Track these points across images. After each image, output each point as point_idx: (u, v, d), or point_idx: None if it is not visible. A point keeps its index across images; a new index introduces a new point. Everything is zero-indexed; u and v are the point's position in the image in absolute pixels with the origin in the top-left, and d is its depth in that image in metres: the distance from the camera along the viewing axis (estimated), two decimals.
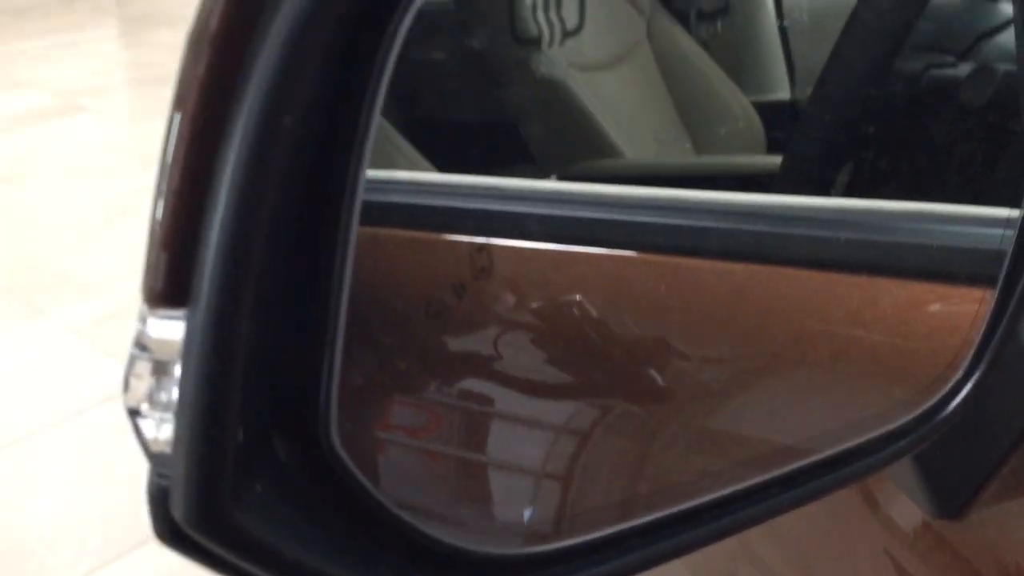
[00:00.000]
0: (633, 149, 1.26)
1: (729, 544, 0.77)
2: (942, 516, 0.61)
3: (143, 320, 0.31)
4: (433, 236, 0.45)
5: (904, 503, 0.64)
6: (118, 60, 5.37)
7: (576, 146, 1.19)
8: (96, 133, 4.27)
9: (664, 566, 0.42)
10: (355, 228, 0.32)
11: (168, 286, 0.29)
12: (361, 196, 0.31)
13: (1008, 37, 0.73)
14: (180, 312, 0.30)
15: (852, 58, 0.84)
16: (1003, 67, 0.75)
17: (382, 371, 0.34)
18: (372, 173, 0.33)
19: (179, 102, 0.29)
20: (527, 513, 0.42)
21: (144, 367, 0.31)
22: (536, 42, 0.40)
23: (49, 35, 5.37)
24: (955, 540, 0.62)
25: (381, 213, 0.39)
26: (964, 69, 0.83)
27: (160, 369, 0.31)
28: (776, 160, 0.92)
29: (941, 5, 0.90)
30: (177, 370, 0.30)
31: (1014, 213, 0.56)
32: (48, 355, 2.72)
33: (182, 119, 0.29)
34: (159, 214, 0.30)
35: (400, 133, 0.69)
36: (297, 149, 0.29)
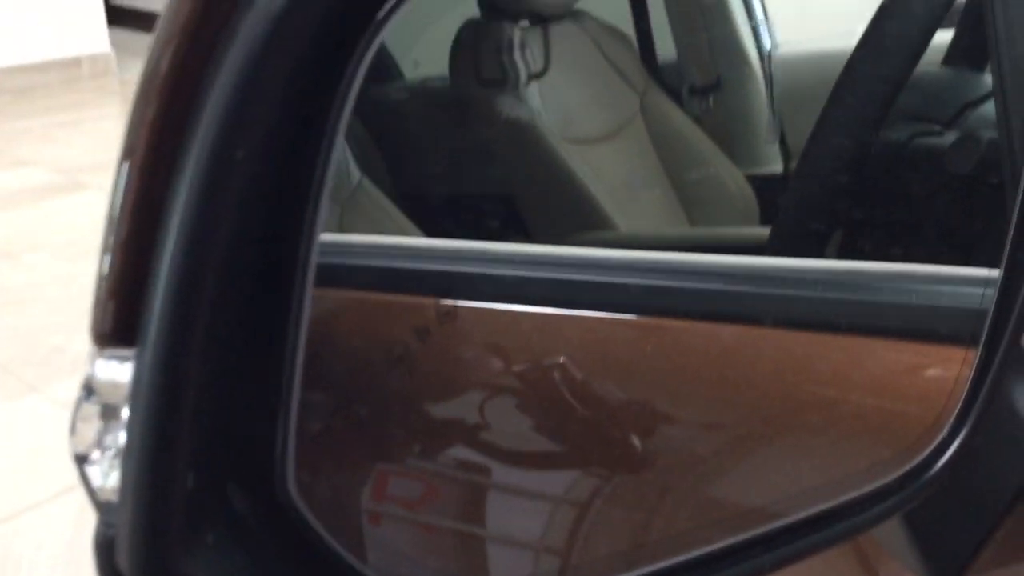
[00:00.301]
0: (627, 221, 1.26)
1: None
2: None
3: (91, 363, 0.30)
4: (400, 298, 0.44)
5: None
6: (119, 138, 5.42)
7: (570, 218, 1.19)
8: (96, 210, 4.27)
9: None
10: (313, 268, 0.31)
11: (117, 325, 0.29)
12: (319, 236, 0.31)
13: (992, 106, 0.73)
14: (128, 352, 0.29)
15: (839, 125, 0.85)
16: (987, 135, 0.75)
17: (342, 419, 0.33)
18: (341, 237, 0.33)
19: (128, 151, 0.29)
20: (497, 571, 0.41)
21: (92, 411, 0.30)
22: (502, 83, 0.41)
23: (52, 114, 5.42)
24: None
25: (343, 274, 0.38)
26: (949, 137, 0.84)
27: (108, 413, 0.30)
28: (768, 232, 0.93)
29: (927, 76, 0.91)
30: (125, 413, 0.29)
31: (994, 273, 0.56)
32: (38, 431, 2.68)
33: (131, 166, 0.29)
34: (109, 255, 0.29)
35: (398, 206, 0.68)
36: (252, 187, 0.29)
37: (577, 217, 1.23)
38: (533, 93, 1.15)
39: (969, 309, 0.56)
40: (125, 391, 0.29)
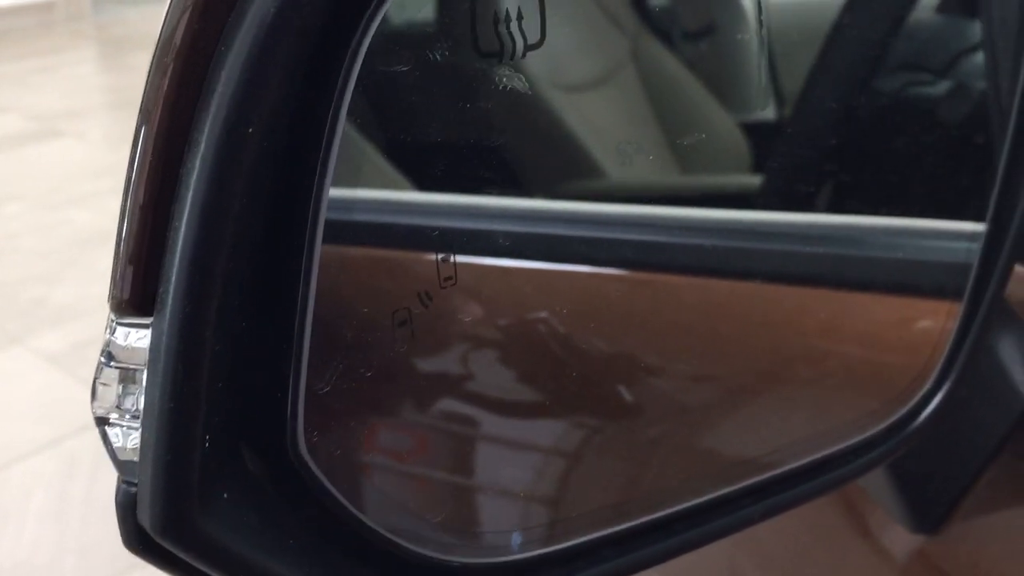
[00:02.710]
0: (617, 169, 1.26)
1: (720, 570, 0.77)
2: (920, 531, 0.61)
3: (111, 329, 0.31)
4: (401, 254, 0.44)
5: (894, 529, 0.64)
6: (96, 84, 5.35)
7: (560, 167, 1.19)
8: (74, 157, 4.25)
9: None
10: (320, 238, 0.32)
11: (135, 295, 0.29)
12: (326, 206, 0.31)
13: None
14: (147, 320, 0.30)
15: (832, 76, 0.85)
16: (980, 85, 0.76)
17: (349, 381, 0.34)
18: (341, 192, 0.34)
19: (145, 115, 0.29)
20: (497, 523, 0.42)
21: (111, 375, 0.31)
22: (498, 55, 0.41)
23: (27, 59, 5.35)
24: (936, 556, 0.62)
25: (349, 231, 0.39)
26: (942, 87, 0.84)
27: (127, 377, 0.31)
28: (760, 180, 0.93)
29: (919, 24, 0.91)
30: (144, 378, 0.30)
31: (979, 227, 0.57)
32: (22, 384, 2.68)
33: (147, 132, 0.29)
34: (125, 226, 0.30)
35: (382, 155, 0.68)
36: (262, 159, 0.29)
37: (566, 165, 1.23)
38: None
39: (955, 263, 0.57)
40: (143, 357, 0.30)
